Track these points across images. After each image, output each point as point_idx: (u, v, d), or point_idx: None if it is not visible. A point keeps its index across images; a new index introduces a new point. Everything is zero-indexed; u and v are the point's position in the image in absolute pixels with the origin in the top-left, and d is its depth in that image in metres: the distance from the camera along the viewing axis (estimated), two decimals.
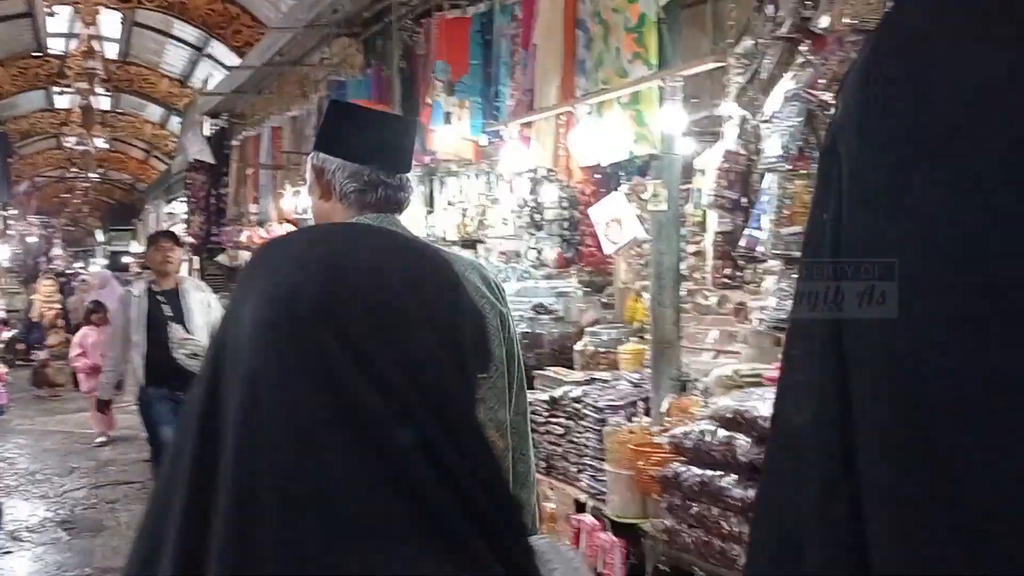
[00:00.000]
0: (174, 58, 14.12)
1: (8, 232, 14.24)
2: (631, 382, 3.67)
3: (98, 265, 21.41)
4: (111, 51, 14.25)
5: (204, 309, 5.07)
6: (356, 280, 0.67)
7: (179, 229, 14.31)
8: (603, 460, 3.33)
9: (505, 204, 5.24)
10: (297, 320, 0.65)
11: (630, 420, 3.36)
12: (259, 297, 0.67)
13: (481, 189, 5.30)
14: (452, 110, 4.59)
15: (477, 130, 4.67)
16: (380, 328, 0.65)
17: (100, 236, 30.90)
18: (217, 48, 12.24)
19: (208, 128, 11.83)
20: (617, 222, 3.62)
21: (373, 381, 0.63)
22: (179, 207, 13.62)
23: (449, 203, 5.66)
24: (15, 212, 17.88)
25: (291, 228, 8.31)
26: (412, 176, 1.90)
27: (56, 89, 16.48)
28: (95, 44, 12.18)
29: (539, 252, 5.05)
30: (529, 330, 4.54)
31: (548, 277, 5.15)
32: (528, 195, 4.93)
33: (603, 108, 3.48)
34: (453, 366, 0.68)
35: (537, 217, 4.95)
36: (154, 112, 17.84)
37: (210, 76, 12.63)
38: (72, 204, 27.58)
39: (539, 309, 4.81)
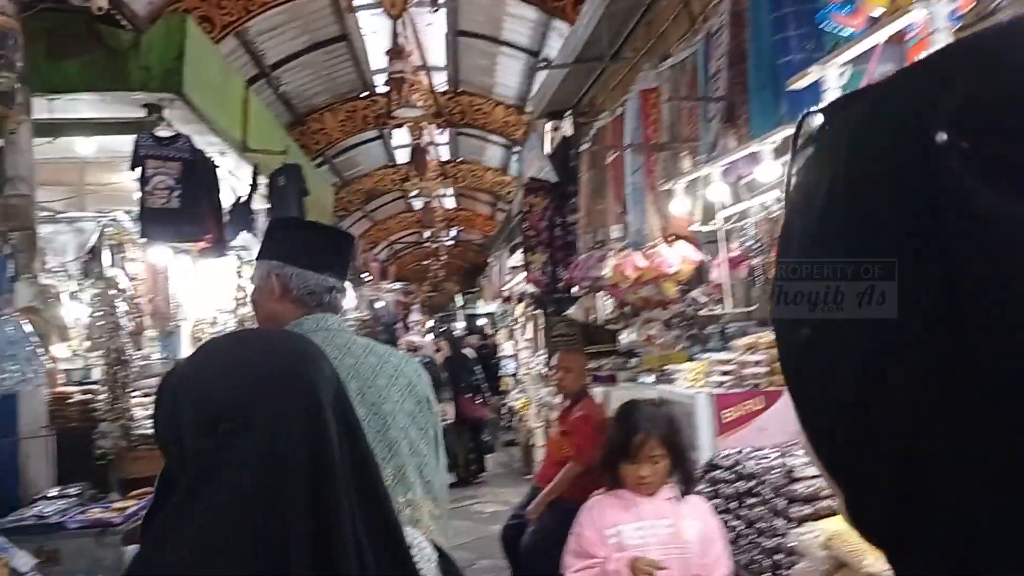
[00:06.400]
0: (507, 73, 11.69)
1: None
2: None
3: (454, 329, 19.80)
4: (439, 81, 12.33)
5: None
6: None
7: (521, 281, 11.82)
8: None
9: None
10: None
11: None
12: None
13: None
14: None
15: None
16: None
17: (459, 300, 30.69)
18: (555, 43, 9.45)
19: (548, 138, 9.03)
20: None
21: None
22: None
23: None
24: (368, 278, 16.86)
25: (688, 247, 4.87)
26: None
27: (394, 143, 15.24)
28: (417, 56, 10.06)
29: None
30: None
31: None
32: None
33: None
34: None
35: None
36: (494, 156, 15.90)
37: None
38: (431, 269, 27.36)
39: None
